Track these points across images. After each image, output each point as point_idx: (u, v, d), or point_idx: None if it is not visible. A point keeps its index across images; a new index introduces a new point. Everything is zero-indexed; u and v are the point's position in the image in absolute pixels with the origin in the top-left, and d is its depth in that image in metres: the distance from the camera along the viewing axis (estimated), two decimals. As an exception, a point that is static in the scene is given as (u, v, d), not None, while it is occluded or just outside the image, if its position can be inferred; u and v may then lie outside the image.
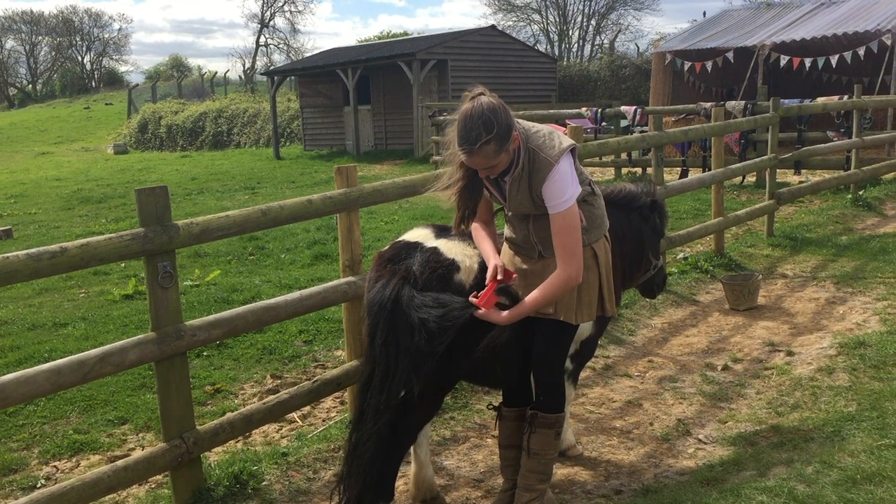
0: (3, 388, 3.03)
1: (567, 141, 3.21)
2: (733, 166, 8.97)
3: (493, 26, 27.87)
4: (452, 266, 3.41)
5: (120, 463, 3.49)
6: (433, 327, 3.14)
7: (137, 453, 3.88)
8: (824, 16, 18.29)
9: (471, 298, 3.20)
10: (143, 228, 3.46)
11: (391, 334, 3.26)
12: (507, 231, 3.47)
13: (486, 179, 3.28)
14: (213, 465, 4.03)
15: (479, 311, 3.16)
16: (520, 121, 3.26)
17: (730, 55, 18.02)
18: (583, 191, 3.30)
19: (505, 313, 3.20)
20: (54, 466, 4.32)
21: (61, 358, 3.34)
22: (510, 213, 3.40)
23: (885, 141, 12.77)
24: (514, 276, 3.27)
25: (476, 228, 3.40)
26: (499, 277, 3.21)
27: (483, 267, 3.42)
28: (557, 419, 3.44)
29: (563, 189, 3.14)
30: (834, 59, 16.33)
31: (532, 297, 3.21)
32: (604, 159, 15.02)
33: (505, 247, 3.47)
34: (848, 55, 16.17)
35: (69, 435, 4.62)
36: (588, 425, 4.63)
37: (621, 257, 3.78)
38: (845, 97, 12.48)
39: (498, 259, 3.27)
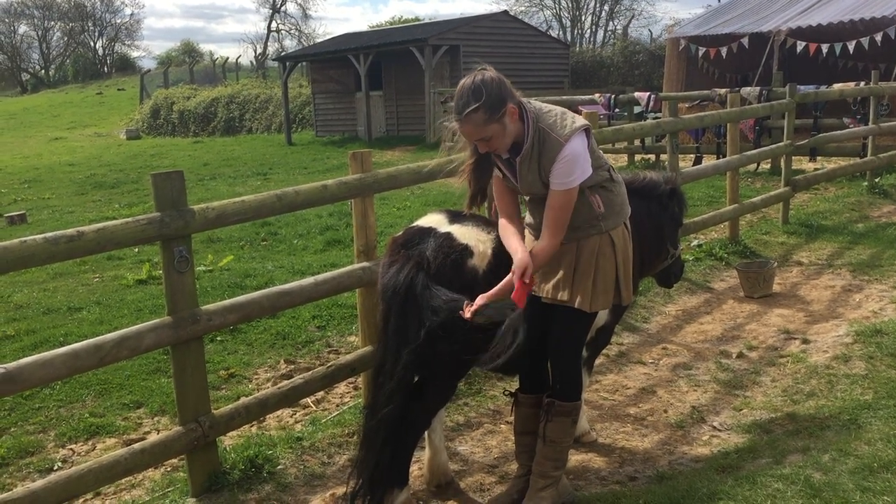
0: (22, 371, 3.05)
1: (580, 121, 3.18)
2: (748, 153, 8.90)
3: (505, 11, 27.76)
4: (466, 251, 3.40)
5: (137, 446, 3.50)
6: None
7: (154, 437, 3.90)
8: (841, 1, 18.05)
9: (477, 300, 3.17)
10: (159, 213, 3.46)
11: (403, 320, 3.27)
12: (527, 216, 3.46)
13: (500, 160, 3.26)
14: (228, 449, 4.05)
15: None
16: (532, 101, 3.24)
17: (745, 41, 17.84)
18: (600, 177, 3.27)
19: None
20: (70, 449, 4.35)
21: (76, 342, 3.36)
22: (528, 198, 3.39)
23: (902, 128, 12.62)
24: (535, 280, 3.26)
25: (503, 226, 3.37)
26: (526, 280, 3.15)
27: (496, 253, 3.41)
28: (574, 407, 3.43)
29: (570, 170, 3.13)
30: (850, 45, 16.13)
31: (520, 251, 3.22)
32: (617, 146, 14.91)
33: (526, 232, 3.45)
34: (865, 41, 15.96)
35: (85, 418, 4.65)
36: (602, 412, 4.62)
37: (639, 245, 3.75)
38: (862, 83, 12.35)
39: (526, 253, 3.19)
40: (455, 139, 3.26)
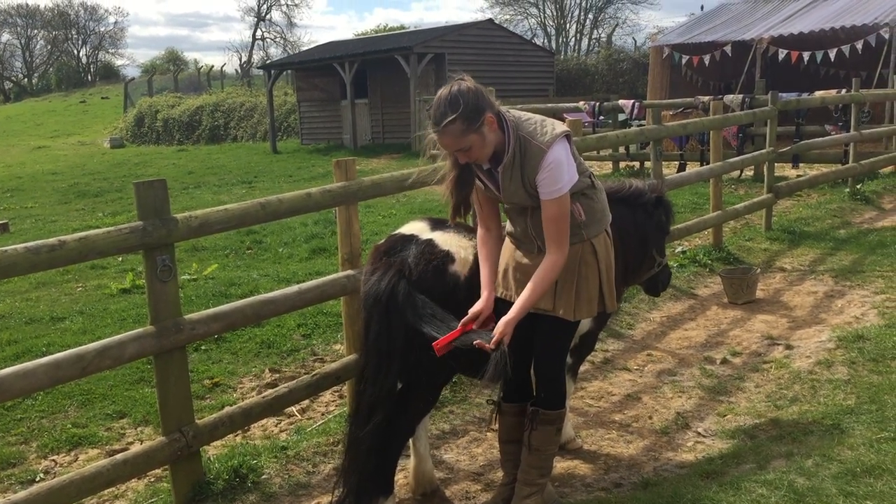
0: (3, 382, 3.01)
1: (560, 127, 3.18)
2: (731, 160, 8.98)
3: (490, 20, 27.82)
4: (447, 257, 3.41)
5: (119, 457, 3.48)
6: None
7: (137, 447, 3.87)
8: (822, 9, 18.26)
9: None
10: (141, 222, 3.44)
11: (384, 328, 3.27)
12: (507, 225, 3.46)
13: (480, 171, 3.26)
14: (212, 458, 4.02)
15: (477, 342, 3.12)
16: (511, 110, 3.24)
17: (727, 49, 17.99)
18: (582, 183, 3.28)
19: (505, 318, 3.14)
20: (53, 460, 4.31)
21: (59, 352, 3.33)
22: (508, 207, 3.39)
23: (883, 135, 12.76)
24: (492, 325, 3.22)
25: (481, 239, 3.38)
26: (473, 326, 3.17)
27: (478, 259, 3.41)
28: (559, 415, 3.43)
29: (557, 177, 3.11)
30: (832, 53, 16.31)
31: (527, 291, 3.19)
32: (601, 153, 14.99)
33: (506, 241, 3.46)
34: (846, 49, 16.14)
35: (67, 429, 4.61)
36: (587, 419, 4.63)
37: (624, 254, 3.76)
38: (843, 91, 12.47)
39: (488, 299, 3.24)
40: (437, 148, 3.26)
